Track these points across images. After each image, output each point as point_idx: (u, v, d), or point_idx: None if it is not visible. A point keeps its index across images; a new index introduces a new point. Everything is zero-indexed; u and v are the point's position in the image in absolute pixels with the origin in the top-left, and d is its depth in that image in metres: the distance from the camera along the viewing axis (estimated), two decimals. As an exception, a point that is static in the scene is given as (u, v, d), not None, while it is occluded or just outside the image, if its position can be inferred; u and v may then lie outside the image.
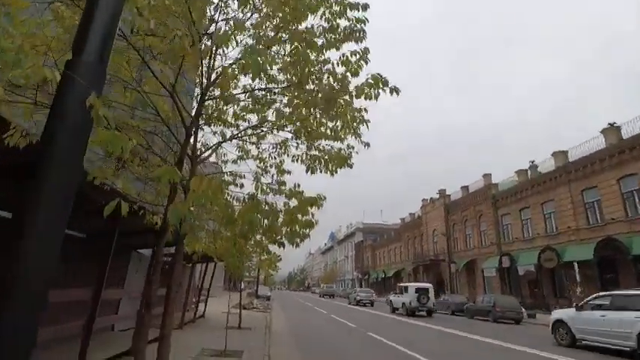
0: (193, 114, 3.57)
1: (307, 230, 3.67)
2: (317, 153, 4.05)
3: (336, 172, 4.01)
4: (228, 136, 5.29)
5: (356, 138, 4.24)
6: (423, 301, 21.29)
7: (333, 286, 64.39)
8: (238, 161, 5.38)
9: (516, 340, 11.76)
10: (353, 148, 4.00)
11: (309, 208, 3.11)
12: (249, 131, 5.29)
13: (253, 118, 5.10)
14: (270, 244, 7.88)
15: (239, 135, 4.74)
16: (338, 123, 3.89)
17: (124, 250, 8.68)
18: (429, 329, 14.78)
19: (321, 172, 4.49)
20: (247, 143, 5.34)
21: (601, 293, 11.50)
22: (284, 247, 4.17)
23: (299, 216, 3.50)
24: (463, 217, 35.46)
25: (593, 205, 21.93)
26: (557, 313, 12.14)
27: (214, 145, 4.53)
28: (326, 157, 3.92)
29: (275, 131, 5.00)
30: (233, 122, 5.16)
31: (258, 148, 5.36)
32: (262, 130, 4.75)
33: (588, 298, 11.32)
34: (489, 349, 10.38)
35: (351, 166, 3.98)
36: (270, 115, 4.75)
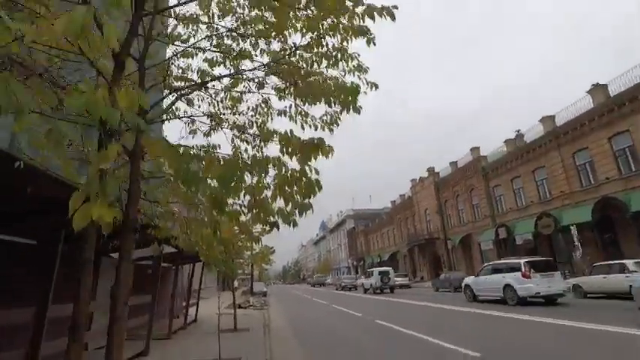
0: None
1: (309, 199, 2.68)
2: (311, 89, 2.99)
3: (339, 119, 3.01)
4: (194, 99, 4.25)
5: (360, 77, 3.25)
6: (385, 281, 26.30)
7: (324, 275, 64.62)
8: (212, 132, 4.32)
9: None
10: (358, 86, 3.01)
11: (311, 161, 2.11)
12: (222, 93, 4.24)
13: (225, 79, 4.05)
14: (259, 230, 6.89)
15: (205, 85, 3.67)
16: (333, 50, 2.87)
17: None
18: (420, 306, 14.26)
19: (316, 128, 3.49)
20: (221, 107, 4.28)
21: (487, 263, 16.93)
22: (278, 229, 3.19)
23: (300, 178, 2.50)
24: (454, 192, 35.13)
25: (586, 167, 21.65)
26: (466, 280, 17.24)
27: (165, 96, 3.43)
28: (327, 82, 2.88)
29: (253, 87, 3.97)
30: (199, 82, 4.09)
31: (234, 113, 4.31)
32: (236, 82, 3.68)
33: (481, 267, 16.71)
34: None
35: (358, 111, 2.98)
36: (247, 64, 3.70)
